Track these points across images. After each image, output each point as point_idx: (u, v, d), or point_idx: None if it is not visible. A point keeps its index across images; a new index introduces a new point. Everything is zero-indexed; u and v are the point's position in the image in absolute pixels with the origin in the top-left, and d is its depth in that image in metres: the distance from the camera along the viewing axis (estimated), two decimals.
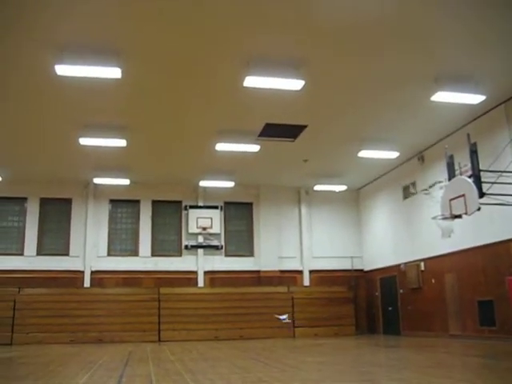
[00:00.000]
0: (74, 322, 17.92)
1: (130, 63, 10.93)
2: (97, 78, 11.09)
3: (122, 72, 10.86)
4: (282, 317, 18.38)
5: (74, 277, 19.53)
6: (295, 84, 11.62)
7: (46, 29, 9.67)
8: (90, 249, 19.91)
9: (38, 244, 19.71)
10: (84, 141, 15.06)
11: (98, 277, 19.75)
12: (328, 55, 10.98)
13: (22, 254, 19.50)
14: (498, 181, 12.51)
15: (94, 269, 19.81)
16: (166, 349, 14.18)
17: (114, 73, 10.82)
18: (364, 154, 17.00)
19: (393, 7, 9.27)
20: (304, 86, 11.70)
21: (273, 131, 15.12)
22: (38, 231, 19.84)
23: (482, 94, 12.66)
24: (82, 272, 19.68)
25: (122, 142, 15.32)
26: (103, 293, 19.05)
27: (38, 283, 18.65)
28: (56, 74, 10.70)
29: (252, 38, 10.24)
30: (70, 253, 19.89)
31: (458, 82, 12.12)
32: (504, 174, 12.74)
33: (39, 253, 19.64)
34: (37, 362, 10.80)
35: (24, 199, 20.06)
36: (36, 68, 11.13)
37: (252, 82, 11.41)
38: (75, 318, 17.96)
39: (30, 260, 19.36)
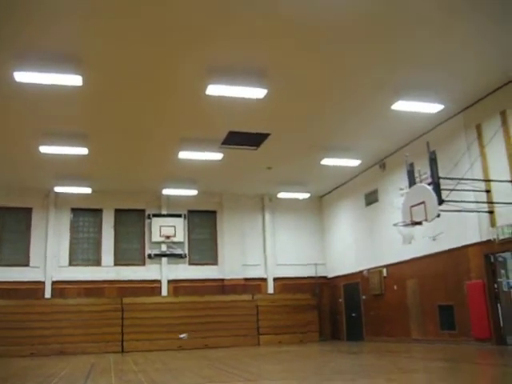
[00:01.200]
0: (34, 334, 17.51)
1: (91, 71, 10.81)
2: (57, 86, 10.94)
3: (83, 79, 10.74)
4: (182, 335, 18.48)
5: (35, 288, 19.11)
6: (258, 92, 11.69)
7: (5, 35, 9.48)
8: (50, 259, 19.51)
9: None
10: (44, 149, 14.81)
11: (60, 287, 19.37)
12: (290, 64, 11.07)
13: None
14: (456, 188, 12.80)
15: (55, 279, 19.41)
16: (129, 360, 14.00)
17: (74, 80, 10.69)
18: (327, 161, 17.19)
19: (354, 18, 9.42)
20: (267, 94, 11.77)
21: (236, 139, 15.14)
22: None
23: (440, 103, 12.97)
24: (43, 283, 19.27)
25: (83, 150, 15.12)
26: (65, 303, 18.67)
27: None
28: (15, 80, 10.51)
29: (214, 46, 10.25)
30: (31, 263, 19.45)
31: (417, 91, 12.37)
32: (462, 181, 13.04)
33: None
34: None
35: None
36: None
37: (214, 90, 11.43)
38: (36, 330, 17.56)
39: None
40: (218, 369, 10.23)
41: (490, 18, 9.63)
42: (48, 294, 19.19)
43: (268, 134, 14.96)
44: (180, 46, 10.20)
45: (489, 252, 13.16)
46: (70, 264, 19.89)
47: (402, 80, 11.97)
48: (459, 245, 14.00)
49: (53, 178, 18.08)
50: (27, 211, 19.96)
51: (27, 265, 19.42)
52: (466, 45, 10.57)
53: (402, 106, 12.86)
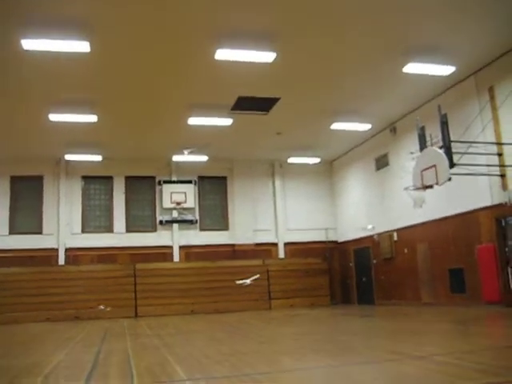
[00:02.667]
0: (49, 300, 17.84)
1: (99, 37, 10.72)
2: (65, 52, 10.88)
3: (91, 46, 10.68)
4: (247, 280, 18.48)
5: (49, 255, 19.36)
6: (267, 56, 11.58)
7: (11, 2, 9.40)
8: (63, 226, 19.71)
9: (10, 223, 19.39)
10: (54, 117, 14.81)
11: (73, 254, 19.61)
12: (299, 27, 10.92)
13: None
14: (468, 151, 12.71)
15: (68, 246, 19.64)
16: (143, 324, 14.24)
17: (82, 46, 10.62)
18: (337, 126, 17.09)
19: None
20: (276, 58, 11.66)
21: (246, 104, 15.05)
22: (10, 210, 19.51)
23: (452, 65, 12.79)
24: (57, 250, 19.50)
25: (93, 118, 15.12)
26: (78, 270, 18.96)
27: (12, 262, 18.44)
28: (23, 48, 10.46)
29: (223, 10, 10.10)
30: (44, 231, 19.66)
31: (429, 53, 12.18)
32: (474, 144, 12.95)
33: (12, 232, 19.35)
34: (13, 340, 10.78)
35: None
36: (1, 42, 10.80)
37: (223, 54, 11.33)
38: (51, 296, 17.88)
39: (2, 239, 19.04)
40: (230, 332, 10.39)
41: None
42: (62, 260, 19.45)
43: (278, 99, 14.85)
44: (189, 11, 10.06)
45: (500, 215, 13.12)
46: (83, 231, 20.08)
47: (413, 42, 11.78)
48: (470, 208, 13.97)
49: (63, 146, 18.13)
50: (39, 179, 20.08)
51: (40, 232, 19.64)
52: (479, 4, 10.34)
53: (413, 68, 12.69)
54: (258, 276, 18.65)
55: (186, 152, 17.28)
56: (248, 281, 18.42)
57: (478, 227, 13.78)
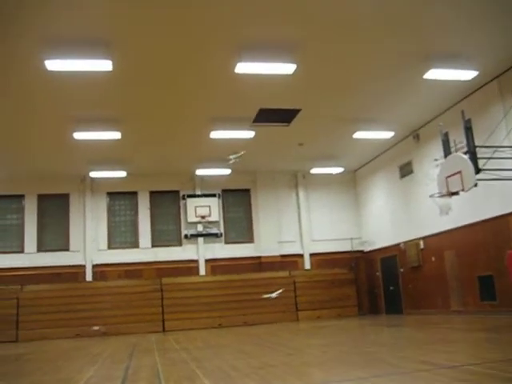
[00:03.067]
0: (78, 316, 17.99)
1: (121, 55, 10.87)
2: (88, 72, 11.04)
3: (113, 64, 10.81)
4: (272, 294, 18.35)
5: (76, 271, 19.56)
6: (287, 68, 11.59)
7: (34, 23, 9.56)
8: (90, 243, 19.92)
9: (37, 240, 19.70)
10: (78, 135, 15.01)
11: (100, 270, 19.79)
12: (319, 38, 10.92)
13: (22, 252, 19.50)
14: (493, 156, 12.53)
15: (95, 262, 19.84)
16: (170, 338, 14.27)
17: (104, 65, 10.76)
18: (359, 135, 17.00)
19: None
20: (296, 69, 11.66)
21: (267, 116, 15.09)
22: (38, 228, 19.82)
23: (474, 69, 12.64)
24: (84, 266, 19.70)
25: (116, 135, 15.28)
26: (106, 286, 19.11)
27: (40, 279, 18.68)
28: (47, 69, 10.65)
29: (242, 23, 10.17)
30: (71, 248, 19.90)
31: (450, 58, 12.08)
32: (499, 149, 12.76)
33: (40, 249, 19.64)
34: (43, 357, 10.87)
35: (21, 196, 20.03)
36: (26, 64, 11.03)
37: (243, 68, 11.38)
38: (79, 313, 18.03)
39: (30, 257, 19.36)
40: (258, 344, 10.35)
41: None
42: (89, 277, 19.63)
43: (299, 110, 14.86)
44: (209, 25, 10.14)
45: None
46: (109, 247, 20.26)
47: (434, 48, 11.70)
48: (498, 214, 13.74)
49: (88, 164, 18.36)
50: (65, 197, 20.36)
51: (67, 249, 19.87)
52: (499, 7, 10.23)
53: (434, 74, 12.57)
54: (282, 290, 18.56)
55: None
56: (273, 295, 18.34)
57: (508, 232, 13.54)
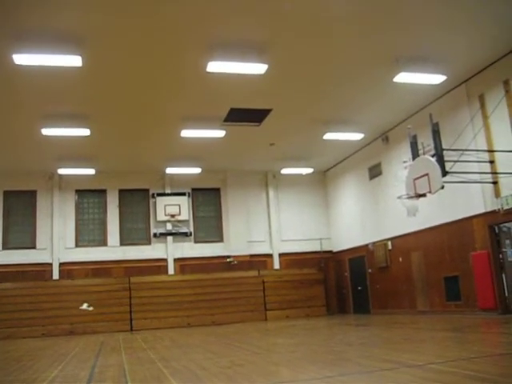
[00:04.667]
0: (44, 315, 17.76)
1: (91, 51, 10.74)
2: (57, 67, 10.89)
3: (83, 60, 10.69)
4: (83, 306, 18.27)
5: (43, 269, 19.26)
6: (258, 68, 11.61)
7: (3, 16, 9.40)
8: (57, 241, 19.63)
9: (3, 238, 19.30)
10: (46, 131, 14.79)
11: (67, 268, 19.52)
12: (290, 38, 10.98)
13: None
14: (460, 159, 12.77)
15: (62, 261, 19.55)
16: (138, 338, 14.16)
17: (74, 61, 10.63)
18: (330, 136, 17.13)
19: None
20: (267, 69, 11.69)
21: (238, 116, 15.09)
22: (3, 225, 19.43)
23: (442, 74, 12.86)
24: (51, 264, 19.40)
25: (85, 131, 15.10)
26: (73, 284, 18.87)
27: (6, 278, 18.36)
28: (14, 63, 10.46)
29: (213, 22, 10.15)
30: (37, 245, 19.58)
31: (419, 62, 12.25)
32: (466, 152, 13.02)
33: (5, 247, 19.26)
34: (7, 357, 10.68)
35: None
36: None
37: (215, 67, 11.36)
38: (45, 311, 17.80)
39: None
40: (226, 344, 10.35)
41: None
42: (56, 275, 19.34)
43: (270, 110, 14.90)
44: (180, 24, 10.10)
45: (493, 222, 13.18)
46: (77, 245, 20.00)
47: (404, 52, 11.86)
48: (464, 216, 14.02)
49: (56, 160, 18.09)
50: (32, 194, 20.03)
51: (34, 247, 19.55)
52: (468, 14, 10.44)
53: (404, 77, 12.73)
54: (91, 309, 18.34)
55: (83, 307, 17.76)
56: (84, 307, 18.19)
57: (472, 234, 13.82)
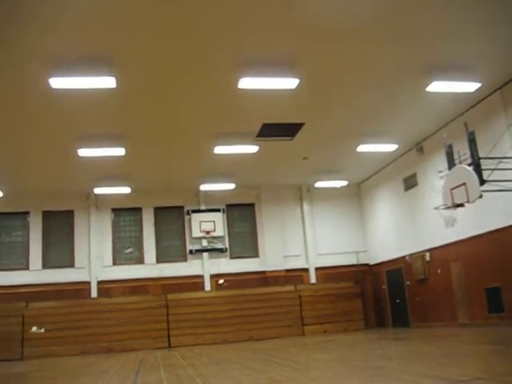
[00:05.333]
0: (83, 333, 17.93)
1: (124, 71, 10.94)
2: (91, 89, 11.09)
3: (117, 81, 10.87)
4: (33, 329, 17.98)
5: (81, 288, 19.54)
6: (290, 83, 11.63)
7: (37, 41, 9.66)
8: (94, 259, 19.92)
9: (42, 257, 19.70)
10: (83, 152, 15.08)
11: (105, 287, 19.75)
12: (321, 52, 10.98)
13: (27, 269, 19.50)
14: (498, 167, 12.52)
15: (100, 279, 19.81)
16: (176, 354, 14.19)
17: (108, 82, 10.82)
18: (363, 148, 17.02)
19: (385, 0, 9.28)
20: (299, 84, 11.70)
21: (270, 131, 15.12)
22: (43, 244, 19.84)
23: (477, 81, 12.66)
24: (89, 283, 19.68)
25: (120, 151, 15.34)
26: (111, 302, 19.05)
27: (45, 296, 18.65)
28: (51, 87, 10.72)
29: (244, 39, 10.24)
30: (76, 264, 19.89)
31: (452, 71, 12.10)
32: (503, 160, 12.75)
33: (45, 266, 19.64)
34: (49, 375, 10.82)
35: (26, 213, 20.08)
36: (30, 82, 11.12)
37: (246, 83, 11.43)
38: (85, 329, 17.97)
39: (35, 274, 19.36)
40: (264, 360, 10.28)
41: None
42: (94, 293, 19.60)
43: (302, 124, 14.89)
44: (211, 41, 10.22)
45: None
46: (114, 263, 20.25)
47: (436, 60, 11.73)
48: (504, 225, 13.69)
49: (92, 180, 18.41)
50: (69, 214, 20.39)
51: (72, 266, 19.87)
52: (501, 19, 10.28)
53: (437, 87, 12.58)
54: (43, 330, 17.71)
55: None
56: (34, 329, 17.65)
57: None
